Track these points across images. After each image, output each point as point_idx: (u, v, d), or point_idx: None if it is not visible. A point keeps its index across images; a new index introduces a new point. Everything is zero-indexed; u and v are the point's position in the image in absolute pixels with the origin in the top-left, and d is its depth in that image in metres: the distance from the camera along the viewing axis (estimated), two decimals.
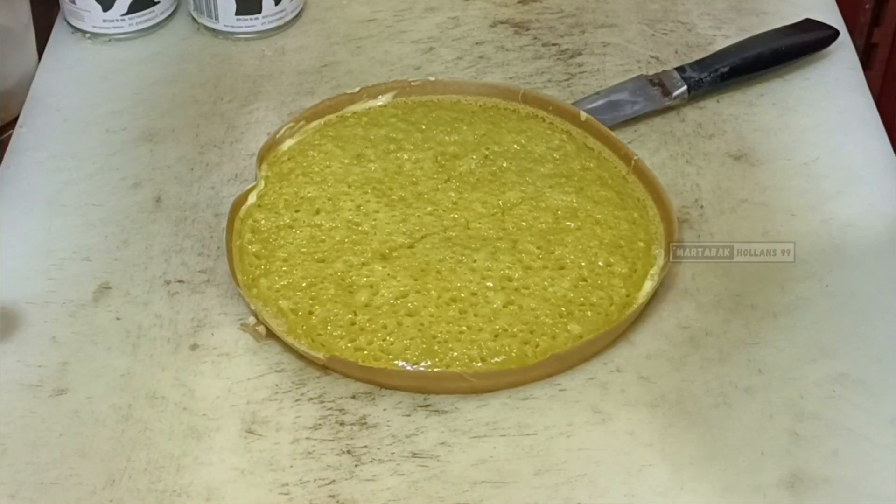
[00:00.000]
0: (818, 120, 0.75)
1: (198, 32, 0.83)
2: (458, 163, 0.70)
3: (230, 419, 0.58)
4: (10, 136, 0.75)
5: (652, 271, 0.64)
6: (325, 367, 0.61)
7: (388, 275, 0.63)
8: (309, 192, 0.68)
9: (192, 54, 0.81)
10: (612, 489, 0.55)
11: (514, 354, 0.60)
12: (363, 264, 0.64)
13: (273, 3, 0.81)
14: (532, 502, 0.55)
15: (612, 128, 0.72)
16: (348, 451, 0.57)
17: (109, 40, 0.82)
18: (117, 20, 0.81)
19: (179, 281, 0.65)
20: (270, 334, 0.62)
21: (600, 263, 0.64)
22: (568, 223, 0.66)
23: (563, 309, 0.62)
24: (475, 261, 0.64)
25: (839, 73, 0.78)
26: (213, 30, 0.82)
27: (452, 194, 0.68)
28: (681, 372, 0.60)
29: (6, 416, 0.59)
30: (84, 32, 0.82)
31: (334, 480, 0.56)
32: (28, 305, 0.64)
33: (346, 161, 0.70)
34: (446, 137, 0.71)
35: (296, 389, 0.60)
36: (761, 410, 0.58)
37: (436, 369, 0.59)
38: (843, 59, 0.79)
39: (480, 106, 0.74)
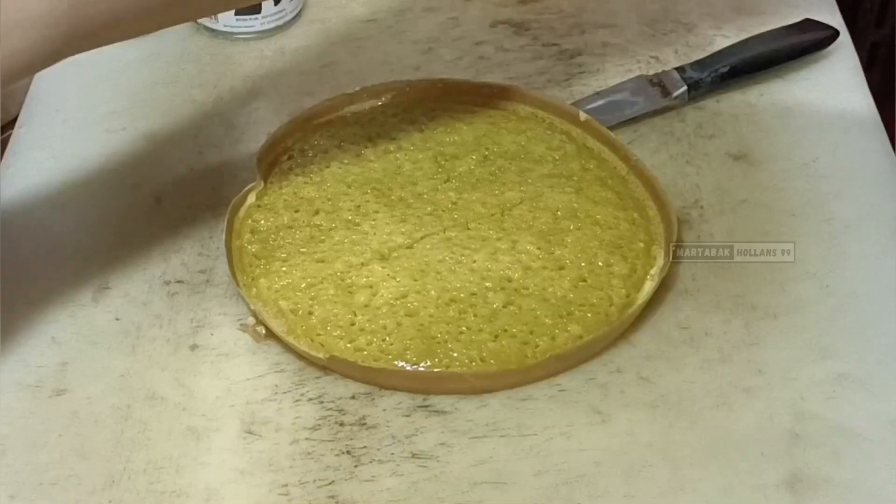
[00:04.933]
0: (818, 120, 0.75)
1: (197, 32, 0.83)
2: (458, 163, 0.70)
3: (229, 419, 0.58)
4: (9, 136, 0.75)
5: (652, 272, 0.64)
6: (324, 368, 0.61)
7: (388, 275, 0.63)
8: (308, 193, 0.68)
9: (192, 54, 0.81)
10: (612, 489, 0.55)
11: (513, 355, 0.60)
12: (362, 264, 0.64)
13: (273, 3, 0.81)
14: (532, 502, 0.55)
15: (612, 128, 0.72)
16: (348, 452, 0.57)
17: None
18: None
19: (179, 281, 0.65)
20: (270, 334, 0.62)
21: (600, 264, 0.64)
22: (568, 223, 0.66)
23: (562, 309, 0.62)
24: (475, 261, 0.64)
25: (839, 73, 0.78)
26: (213, 30, 0.82)
27: (452, 194, 0.68)
28: (681, 372, 0.60)
29: (6, 416, 0.59)
30: None
31: (334, 481, 0.56)
32: (28, 305, 0.64)
33: (346, 161, 0.70)
34: (446, 138, 0.71)
35: (295, 390, 0.60)
36: (761, 411, 0.58)
37: (436, 369, 0.59)
38: (843, 59, 0.79)
39: (480, 106, 0.74)
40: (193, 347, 0.62)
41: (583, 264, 0.64)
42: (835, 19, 0.81)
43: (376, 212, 0.67)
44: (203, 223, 0.69)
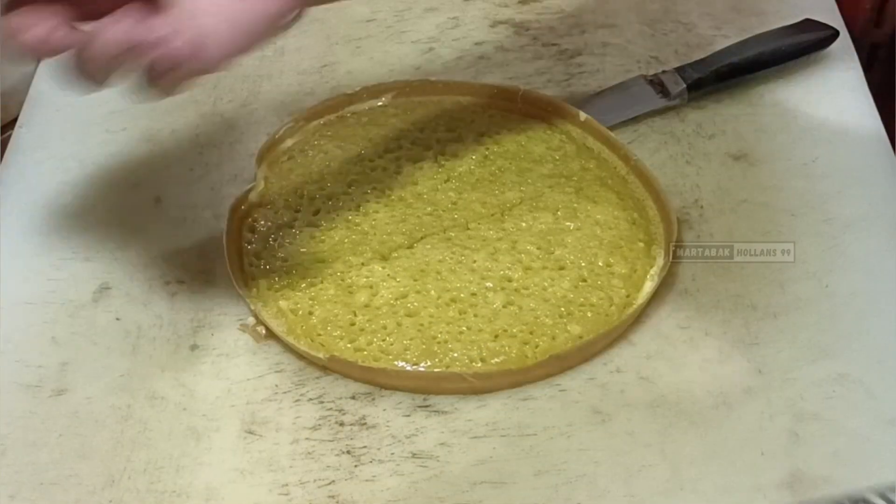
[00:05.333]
0: (818, 120, 0.75)
1: None
2: (458, 163, 0.70)
3: (230, 419, 0.59)
4: (9, 136, 0.75)
5: (652, 272, 0.64)
6: (324, 368, 0.61)
7: (388, 275, 0.63)
8: (308, 193, 0.68)
9: None
10: (612, 489, 0.55)
11: (513, 355, 0.60)
12: (363, 264, 0.64)
13: None
14: (532, 502, 0.55)
15: (612, 128, 0.72)
16: (348, 452, 0.57)
17: None
18: None
19: (179, 281, 0.65)
20: (270, 334, 0.62)
21: (600, 264, 0.64)
22: (567, 223, 0.66)
23: (562, 309, 0.62)
24: (475, 261, 0.64)
25: (839, 73, 0.78)
26: None
27: (452, 194, 0.68)
28: (681, 372, 0.60)
29: (6, 416, 0.59)
30: None
31: (334, 481, 0.56)
32: (28, 305, 0.64)
33: (346, 161, 0.70)
34: (446, 137, 0.71)
35: (295, 390, 0.60)
36: (761, 410, 0.58)
37: (436, 370, 0.59)
38: (843, 59, 0.79)
39: (480, 106, 0.74)
40: (193, 347, 0.62)
41: (583, 264, 0.64)
42: (835, 19, 0.81)
43: (376, 212, 0.67)
44: (203, 223, 0.69)
